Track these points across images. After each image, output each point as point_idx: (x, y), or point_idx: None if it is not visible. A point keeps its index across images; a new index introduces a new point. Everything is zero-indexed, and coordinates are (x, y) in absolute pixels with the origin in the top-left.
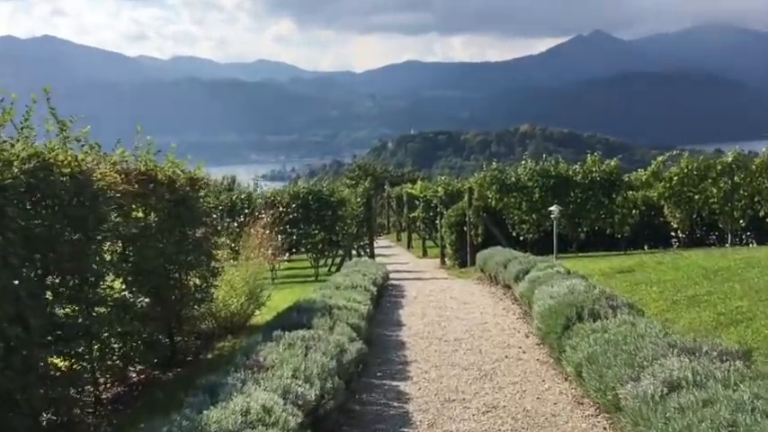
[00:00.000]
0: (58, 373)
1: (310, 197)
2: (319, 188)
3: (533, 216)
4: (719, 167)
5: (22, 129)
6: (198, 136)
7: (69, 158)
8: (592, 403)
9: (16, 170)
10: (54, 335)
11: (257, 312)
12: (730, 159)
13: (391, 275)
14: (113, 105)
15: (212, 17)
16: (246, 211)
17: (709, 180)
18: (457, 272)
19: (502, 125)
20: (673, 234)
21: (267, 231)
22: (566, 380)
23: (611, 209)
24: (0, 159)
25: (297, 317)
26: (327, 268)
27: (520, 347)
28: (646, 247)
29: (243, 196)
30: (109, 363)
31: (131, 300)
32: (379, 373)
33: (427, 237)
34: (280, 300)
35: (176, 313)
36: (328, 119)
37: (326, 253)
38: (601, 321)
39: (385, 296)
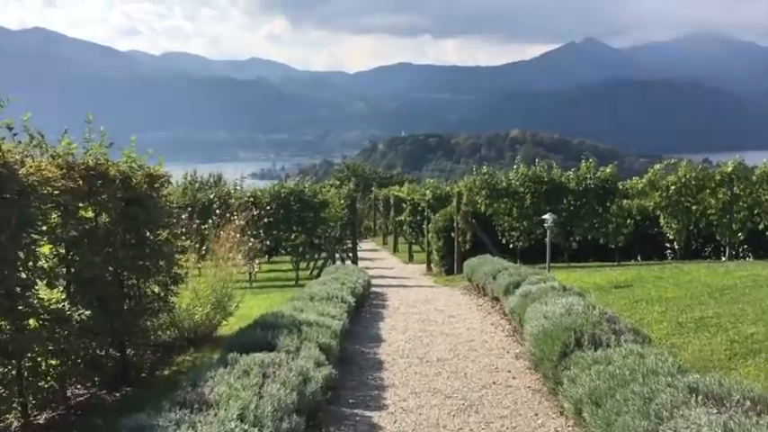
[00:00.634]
0: None
1: (291, 198)
2: (301, 188)
3: (524, 223)
4: (718, 177)
5: None
6: (188, 132)
7: None
8: None
9: None
10: None
11: (225, 322)
12: (730, 169)
13: (375, 282)
14: (103, 99)
15: (205, 14)
16: (218, 211)
17: (708, 190)
18: (443, 279)
19: (492, 129)
20: (668, 245)
21: (239, 235)
22: (561, 414)
23: (606, 218)
24: None
25: (260, 334)
26: (309, 272)
27: (509, 371)
28: (639, 258)
29: (215, 195)
30: (41, 384)
31: (70, 312)
32: (351, 400)
33: (414, 241)
34: (255, 306)
35: (129, 325)
36: (319, 119)
37: (307, 256)
38: (603, 350)
39: (366, 305)
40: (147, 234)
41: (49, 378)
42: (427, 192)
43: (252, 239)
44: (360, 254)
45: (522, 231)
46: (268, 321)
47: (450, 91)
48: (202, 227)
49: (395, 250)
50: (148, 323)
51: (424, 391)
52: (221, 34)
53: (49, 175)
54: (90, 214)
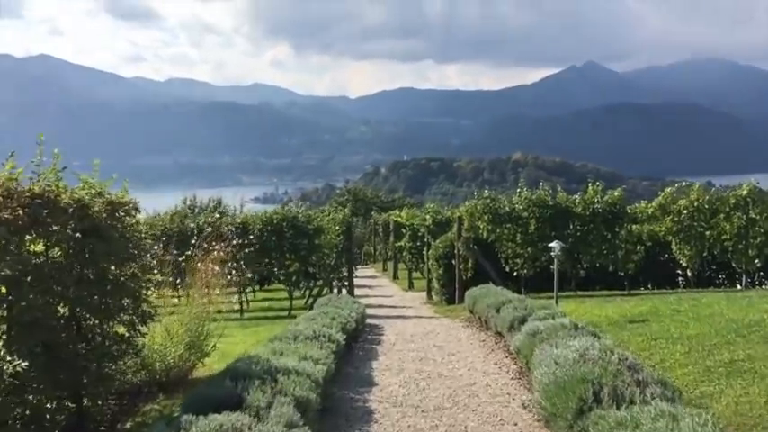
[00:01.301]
0: None
1: (284, 224)
2: (294, 214)
3: (528, 250)
4: (733, 201)
5: None
6: (191, 157)
7: None
8: None
9: None
10: None
11: (201, 364)
12: (745, 192)
13: (372, 312)
14: (108, 125)
15: (210, 41)
16: (194, 241)
17: (722, 215)
18: (444, 309)
19: (494, 153)
20: (679, 272)
21: (217, 267)
22: None
23: (614, 244)
24: None
25: (228, 386)
26: (305, 301)
27: (516, 425)
28: (650, 286)
29: (202, 221)
30: None
31: (1, 364)
32: None
33: (414, 268)
34: (240, 342)
35: (84, 372)
36: (322, 143)
37: (301, 285)
38: (627, 408)
39: (360, 340)
40: (111, 268)
41: None
42: (427, 216)
43: (233, 271)
44: (359, 281)
45: (526, 258)
46: (240, 369)
47: (452, 115)
48: (179, 258)
49: (395, 277)
50: (110, 368)
51: None
52: (225, 60)
53: None
54: (40, 248)
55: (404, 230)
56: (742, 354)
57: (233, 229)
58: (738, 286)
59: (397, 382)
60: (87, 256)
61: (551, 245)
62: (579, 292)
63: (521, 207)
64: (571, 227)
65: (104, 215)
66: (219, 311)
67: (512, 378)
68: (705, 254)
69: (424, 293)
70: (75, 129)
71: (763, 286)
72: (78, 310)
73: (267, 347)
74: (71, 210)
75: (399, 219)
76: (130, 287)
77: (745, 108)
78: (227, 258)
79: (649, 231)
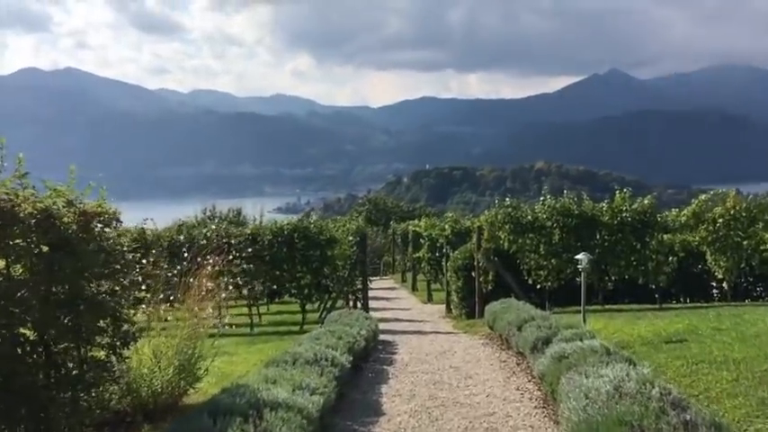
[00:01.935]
0: None
1: (296, 235)
2: (306, 225)
3: (552, 261)
4: None
5: None
6: (214, 168)
7: None
8: None
9: None
10: None
11: (193, 389)
12: None
13: (387, 326)
14: (133, 136)
15: (232, 52)
16: (186, 254)
17: (761, 223)
18: (463, 324)
19: (517, 162)
20: (714, 284)
21: (211, 283)
22: None
23: (644, 255)
24: None
25: (205, 425)
26: (319, 314)
27: None
28: (683, 299)
29: (212, 232)
30: None
31: None
32: None
33: (433, 280)
34: (242, 362)
35: (50, 403)
36: (344, 153)
37: (314, 298)
38: None
39: (370, 360)
40: (85, 286)
41: None
42: (446, 226)
43: (229, 287)
44: (376, 292)
45: (550, 270)
46: (222, 404)
47: (473, 124)
48: (169, 273)
49: (413, 289)
50: (85, 399)
51: None
52: (248, 71)
53: None
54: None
55: (422, 241)
56: None
57: (239, 241)
58: None
59: (407, 411)
60: (56, 272)
61: (578, 257)
62: (607, 306)
63: (544, 216)
64: (598, 237)
65: (76, 227)
66: (219, 328)
67: (535, 407)
68: (742, 265)
69: (443, 306)
70: (101, 140)
71: None
72: (43, 333)
73: (259, 375)
74: (34, 221)
75: (418, 228)
76: (109, 306)
77: None
78: (224, 272)
79: (682, 241)
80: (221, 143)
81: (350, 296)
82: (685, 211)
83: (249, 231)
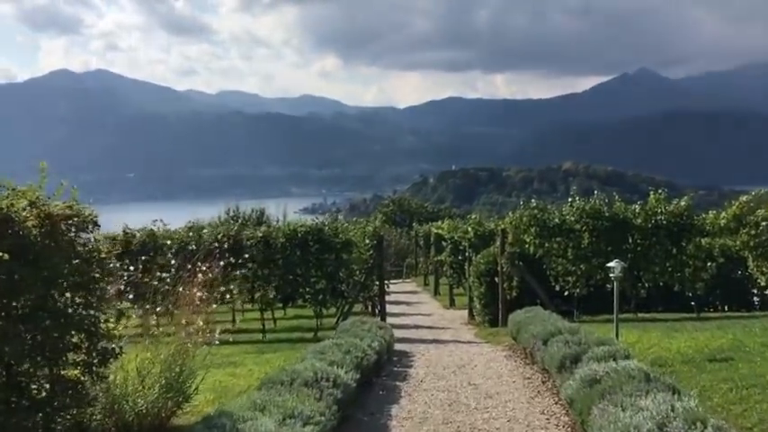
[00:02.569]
0: None
1: (310, 237)
2: (320, 227)
3: (581, 267)
4: None
5: None
6: (241, 169)
7: None
8: None
9: None
10: None
11: (181, 410)
12: None
13: (406, 334)
14: (161, 137)
15: (259, 53)
16: (174, 261)
17: None
18: (486, 333)
19: (544, 162)
20: (755, 292)
21: (203, 293)
22: None
23: (681, 260)
24: None
25: None
26: (335, 320)
27: None
28: (721, 307)
29: (223, 234)
30: None
31: None
32: None
33: (455, 284)
34: (245, 375)
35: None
36: (370, 154)
37: (329, 304)
38: None
39: (383, 375)
40: (53, 297)
41: None
42: (468, 229)
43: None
44: (397, 296)
45: (578, 276)
46: None
47: (500, 124)
48: (155, 282)
49: (435, 293)
50: (56, 423)
51: None
52: (275, 72)
53: None
54: None
55: (444, 243)
56: None
57: (252, 243)
58: None
59: None
60: (17, 282)
61: (610, 264)
62: (640, 315)
63: (572, 218)
64: (630, 241)
65: (39, 231)
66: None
67: None
68: None
69: (466, 312)
70: (131, 141)
71: None
72: (5, 351)
73: (246, 400)
74: None
75: (440, 230)
76: (82, 319)
77: None
78: (218, 280)
79: (721, 245)
80: (248, 144)
81: (367, 302)
82: (725, 214)
83: (261, 234)
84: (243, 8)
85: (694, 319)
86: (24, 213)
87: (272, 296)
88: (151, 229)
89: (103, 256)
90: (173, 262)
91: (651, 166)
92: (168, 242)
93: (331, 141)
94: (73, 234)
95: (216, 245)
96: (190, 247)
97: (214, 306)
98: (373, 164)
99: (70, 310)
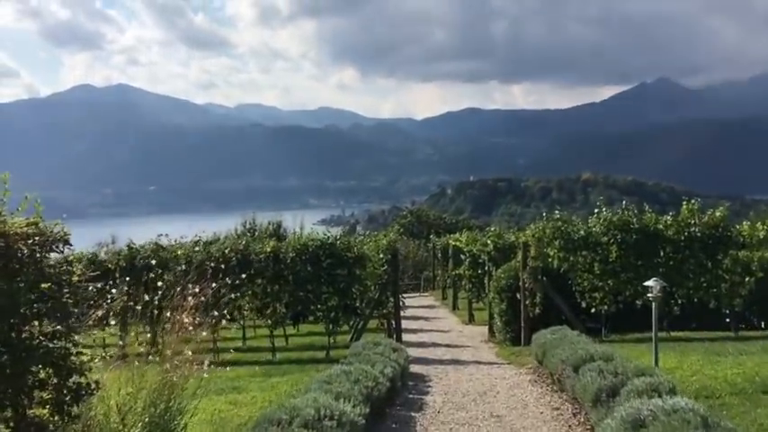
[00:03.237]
0: None
1: (321, 252)
2: (332, 241)
3: (609, 282)
4: None
5: None
6: (260, 181)
7: None
8: None
9: None
10: None
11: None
12: None
13: (422, 353)
14: (181, 150)
15: (278, 66)
16: (161, 284)
17: None
18: (508, 352)
19: (562, 172)
20: None
21: (191, 319)
22: None
23: (717, 275)
24: None
25: None
26: (349, 338)
27: None
28: (758, 323)
29: (230, 249)
30: None
31: None
32: None
33: (475, 298)
34: (248, 403)
35: None
36: (388, 165)
37: (341, 322)
38: None
39: (396, 404)
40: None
41: None
42: (488, 242)
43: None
44: (415, 311)
45: (606, 292)
46: None
47: (518, 135)
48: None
49: (454, 307)
50: None
51: None
52: (293, 85)
53: None
54: None
55: (463, 256)
56: None
57: (260, 259)
58: None
59: None
60: None
61: (648, 283)
62: (673, 334)
63: (599, 230)
64: (662, 254)
65: None
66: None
67: None
68: None
69: (486, 328)
70: (151, 155)
71: None
72: None
73: None
74: None
75: (458, 243)
76: (49, 353)
77: None
78: (209, 303)
79: (760, 258)
80: (267, 156)
81: (382, 319)
82: (761, 225)
83: (270, 249)
84: (261, 22)
85: (733, 338)
86: None
87: (282, 313)
88: (156, 244)
89: (75, 278)
90: (159, 284)
91: (670, 176)
92: (174, 256)
93: (349, 153)
94: (38, 255)
95: (221, 260)
96: (180, 268)
97: (223, 322)
98: (391, 175)
99: (33, 343)
